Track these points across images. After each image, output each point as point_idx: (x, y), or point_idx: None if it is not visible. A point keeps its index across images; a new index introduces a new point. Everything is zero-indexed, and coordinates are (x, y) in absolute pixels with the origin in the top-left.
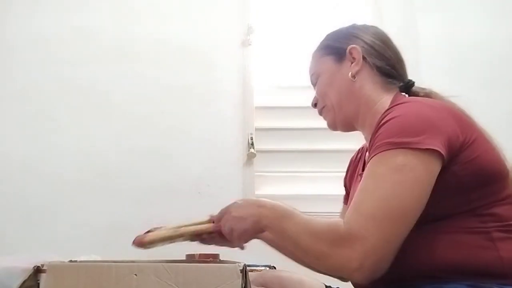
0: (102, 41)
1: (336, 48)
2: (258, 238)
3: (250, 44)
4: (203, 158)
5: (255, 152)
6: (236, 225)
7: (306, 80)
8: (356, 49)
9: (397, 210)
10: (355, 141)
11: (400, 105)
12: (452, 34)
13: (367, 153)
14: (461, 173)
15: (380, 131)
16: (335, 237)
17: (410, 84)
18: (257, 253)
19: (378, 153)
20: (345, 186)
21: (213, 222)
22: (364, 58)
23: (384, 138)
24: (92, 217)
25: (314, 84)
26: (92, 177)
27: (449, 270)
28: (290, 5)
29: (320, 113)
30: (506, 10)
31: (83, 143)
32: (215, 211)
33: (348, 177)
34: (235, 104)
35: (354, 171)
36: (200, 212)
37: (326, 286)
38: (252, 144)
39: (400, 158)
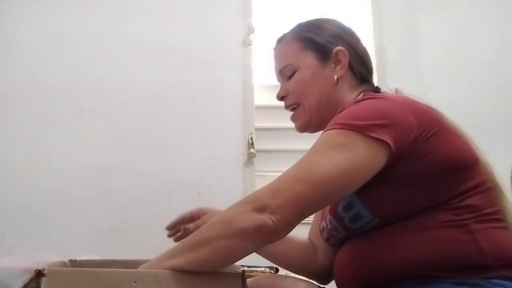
0: (103, 41)
1: (320, 45)
2: None
3: (250, 44)
4: (204, 158)
5: (255, 152)
6: None
7: None
8: (344, 52)
9: (314, 174)
10: None
11: (364, 98)
12: (453, 37)
13: None
14: (423, 166)
15: (336, 116)
16: (237, 203)
17: (378, 89)
18: (256, 253)
19: (325, 130)
20: None
21: None
22: (349, 63)
23: (336, 119)
24: (92, 217)
25: (285, 76)
26: (92, 177)
27: (431, 268)
28: (290, 5)
29: (288, 109)
30: (509, 11)
31: (84, 143)
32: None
33: None
34: (235, 104)
35: None
36: None
37: (320, 287)
38: (252, 144)
39: (341, 138)
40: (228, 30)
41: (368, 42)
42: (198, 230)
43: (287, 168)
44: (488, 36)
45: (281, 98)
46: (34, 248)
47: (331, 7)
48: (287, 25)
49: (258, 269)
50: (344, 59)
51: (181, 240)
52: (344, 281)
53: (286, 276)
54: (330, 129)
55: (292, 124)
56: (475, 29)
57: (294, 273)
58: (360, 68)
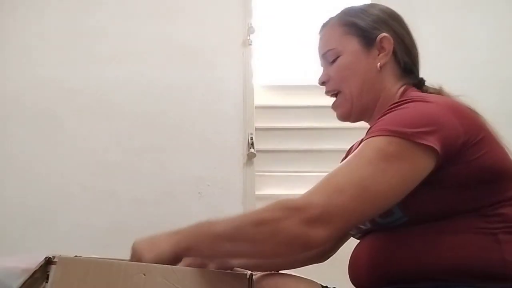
0: (103, 41)
1: (364, 30)
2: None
3: (250, 44)
4: (203, 158)
5: (255, 152)
6: (142, 258)
7: (306, 80)
8: (388, 39)
9: (368, 192)
10: (355, 141)
11: (408, 99)
12: (452, 37)
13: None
14: (464, 171)
15: (381, 118)
16: (285, 208)
17: (422, 82)
18: None
19: (373, 136)
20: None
21: None
22: (393, 50)
23: (383, 125)
24: (92, 217)
25: (328, 61)
26: (92, 177)
27: (451, 271)
28: (290, 5)
29: (329, 94)
30: (508, 12)
31: (84, 143)
32: (216, 212)
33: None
34: (236, 104)
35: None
36: (200, 212)
37: (322, 286)
38: (252, 144)
39: (393, 147)
40: (228, 30)
41: None
42: (250, 216)
43: (287, 168)
44: (488, 36)
45: (322, 83)
46: (34, 248)
47: (331, 7)
48: (287, 25)
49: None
50: (389, 46)
51: (232, 221)
52: (358, 273)
53: (288, 275)
54: (378, 135)
55: (291, 125)
56: (474, 29)
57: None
58: (404, 57)
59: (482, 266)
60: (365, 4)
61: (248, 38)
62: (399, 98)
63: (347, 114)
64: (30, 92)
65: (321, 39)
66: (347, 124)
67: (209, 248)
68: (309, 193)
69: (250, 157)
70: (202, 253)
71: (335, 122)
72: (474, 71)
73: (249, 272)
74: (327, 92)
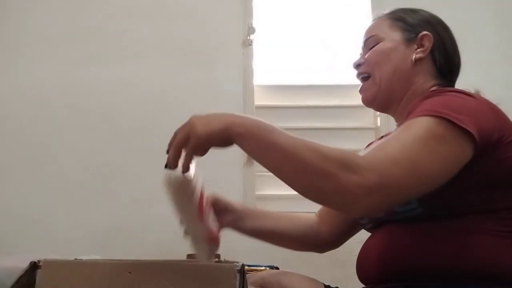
0: (103, 41)
1: (410, 25)
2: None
3: (250, 44)
4: (203, 158)
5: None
6: (193, 129)
7: (306, 80)
8: (429, 37)
9: (421, 170)
10: (356, 141)
11: (447, 90)
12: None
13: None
14: (493, 169)
15: (423, 103)
16: (349, 162)
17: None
18: (259, 253)
19: (422, 115)
20: None
21: None
22: (431, 50)
23: (430, 106)
24: (92, 217)
25: (368, 47)
26: (92, 177)
27: (463, 272)
28: (290, 5)
29: (359, 79)
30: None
31: (84, 143)
32: None
33: None
34: (236, 103)
35: None
36: None
37: (325, 285)
38: None
39: (442, 128)
40: (228, 30)
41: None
42: (313, 143)
43: None
44: (488, 36)
45: (356, 65)
46: (34, 248)
47: (331, 7)
48: (287, 25)
49: (258, 268)
50: (428, 44)
51: (300, 139)
52: (367, 267)
53: (290, 273)
54: (426, 115)
55: (291, 124)
56: (475, 28)
57: (295, 249)
58: (441, 59)
59: (491, 267)
60: (414, 8)
61: (248, 38)
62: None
63: (372, 98)
64: (30, 92)
65: (367, 28)
66: (347, 124)
67: (260, 147)
68: (370, 157)
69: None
70: (251, 147)
71: (335, 122)
72: (475, 71)
73: (241, 263)
74: (358, 75)
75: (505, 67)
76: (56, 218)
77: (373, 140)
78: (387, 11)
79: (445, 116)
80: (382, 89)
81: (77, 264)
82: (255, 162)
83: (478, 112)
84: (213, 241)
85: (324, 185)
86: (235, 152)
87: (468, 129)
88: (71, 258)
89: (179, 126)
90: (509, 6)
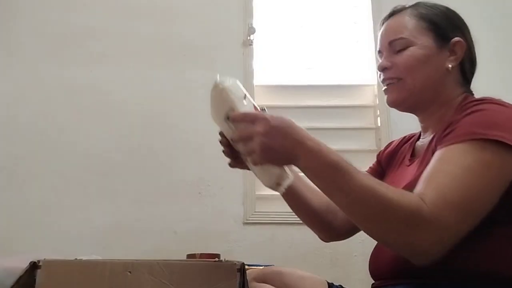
0: (103, 41)
1: (442, 29)
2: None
3: (251, 44)
4: (204, 158)
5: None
6: (260, 149)
7: (306, 80)
8: (462, 45)
9: (477, 205)
10: (356, 141)
11: (485, 101)
12: None
13: (434, 137)
14: None
15: (464, 120)
16: (416, 217)
17: (472, 94)
18: (259, 253)
19: (466, 140)
20: (378, 160)
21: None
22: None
23: (471, 128)
24: (93, 217)
25: (394, 49)
26: (92, 177)
27: (474, 272)
28: (290, 5)
29: (385, 82)
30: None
31: (84, 143)
32: (216, 211)
33: (387, 157)
34: None
35: (396, 155)
36: (200, 212)
37: (328, 283)
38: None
39: (489, 153)
40: (229, 30)
41: (368, 42)
42: (382, 192)
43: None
44: (488, 36)
45: (383, 69)
46: (34, 248)
47: (332, 6)
48: (288, 25)
49: (258, 267)
50: (460, 51)
51: (371, 184)
52: (381, 264)
53: (293, 270)
54: (473, 138)
55: None
56: (474, 28)
57: (307, 224)
58: (468, 67)
59: (510, 272)
60: (442, 5)
61: (248, 38)
62: (460, 104)
63: (401, 101)
64: (30, 92)
65: (390, 26)
66: (347, 124)
67: (326, 188)
68: (433, 207)
69: None
70: (315, 181)
71: (335, 122)
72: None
73: (241, 262)
74: (384, 79)
75: (502, 67)
76: (56, 218)
77: (373, 139)
78: (407, 7)
79: (490, 138)
80: (414, 95)
81: (77, 264)
82: None
83: None
84: None
85: (392, 240)
86: None
87: None
88: (71, 258)
89: (179, 126)
90: (508, 5)
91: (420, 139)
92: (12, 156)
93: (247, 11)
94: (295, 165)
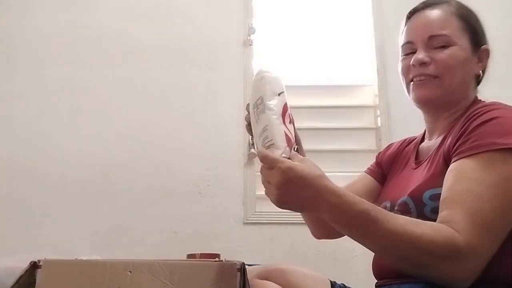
0: (103, 41)
1: (477, 35)
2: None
3: (251, 44)
4: (204, 158)
5: (255, 152)
6: (275, 199)
7: (306, 80)
8: (488, 53)
9: (507, 222)
10: (356, 141)
11: (494, 106)
12: None
13: (443, 140)
14: None
15: (480, 129)
16: (454, 252)
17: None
18: (259, 253)
19: (485, 151)
20: (378, 161)
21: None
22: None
23: (489, 137)
24: (93, 217)
25: (433, 45)
26: (92, 177)
27: (485, 278)
28: (291, 6)
29: (421, 77)
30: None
31: (84, 143)
32: (216, 211)
33: (388, 159)
34: (236, 104)
35: (398, 157)
36: (201, 212)
37: (330, 281)
38: (253, 144)
39: (510, 165)
40: (229, 30)
41: (368, 42)
42: (413, 233)
43: None
44: (488, 36)
45: (421, 63)
46: (34, 248)
47: (332, 6)
48: (288, 25)
49: (259, 265)
50: (486, 59)
51: (400, 228)
52: (385, 263)
53: (295, 268)
54: (492, 149)
55: None
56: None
57: (309, 224)
58: (481, 72)
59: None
60: (470, 8)
61: (248, 38)
62: (470, 107)
63: (434, 99)
64: (29, 93)
65: (433, 19)
66: (347, 124)
67: (357, 238)
68: (467, 235)
69: (251, 157)
70: (341, 231)
71: (335, 122)
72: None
73: (241, 262)
74: (420, 74)
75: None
76: (56, 218)
77: (373, 139)
78: (445, 3)
79: (509, 147)
80: (448, 95)
81: (78, 264)
82: (255, 162)
83: None
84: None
85: (430, 275)
86: (235, 152)
87: None
88: (71, 258)
89: (179, 125)
90: None
91: (425, 141)
92: (12, 156)
93: (247, 11)
94: (317, 214)
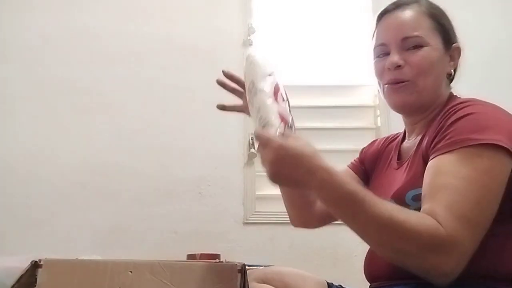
0: (103, 41)
1: (448, 34)
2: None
3: (251, 44)
4: (204, 158)
5: (255, 152)
6: (269, 175)
7: (306, 80)
8: (459, 51)
9: (485, 214)
10: (356, 141)
11: (469, 103)
12: None
13: (422, 140)
14: None
15: (456, 126)
16: (434, 242)
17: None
18: (259, 253)
19: (461, 147)
20: (361, 157)
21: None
22: None
23: (464, 133)
24: (93, 217)
25: (406, 46)
26: (92, 177)
27: (474, 272)
28: (290, 6)
29: (395, 81)
30: (507, 11)
31: (84, 143)
32: (216, 211)
33: (371, 157)
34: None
35: (381, 155)
36: (200, 212)
37: (328, 283)
38: (253, 144)
39: (486, 159)
40: (229, 30)
41: (368, 42)
42: (397, 219)
43: None
44: (487, 36)
45: (396, 66)
46: (35, 248)
47: (332, 6)
48: (288, 25)
49: (258, 268)
50: (458, 58)
51: (386, 213)
52: (377, 265)
53: (293, 270)
54: (470, 145)
55: None
56: (474, 29)
57: (285, 201)
58: (457, 69)
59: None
60: (439, 6)
61: (248, 38)
62: (445, 105)
63: (410, 103)
64: (30, 92)
65: (404, 20)
66: (347, 124)
67: (343, 217)
68: (450, 228)
69: (251, 157)
70: (328, 208)
71: (335, 122)
72: (473, 71)
73: (241, 263)
74: (394, 79)
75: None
76: (57, 218)
77: (373, 140)
78: (415, 3)
79: (486, 142)
80: (422, 98)
81: (79, 264)
82: (255, 162)
83: (506, 122)
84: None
85: (412, 264)
86: (235, 152)
87: (509, 148)
88: (72, 258)
89: (179, 126)
90: None
91: (406, 141)
92: (12, 156)
93: (247, 11)
94: (308, 190)
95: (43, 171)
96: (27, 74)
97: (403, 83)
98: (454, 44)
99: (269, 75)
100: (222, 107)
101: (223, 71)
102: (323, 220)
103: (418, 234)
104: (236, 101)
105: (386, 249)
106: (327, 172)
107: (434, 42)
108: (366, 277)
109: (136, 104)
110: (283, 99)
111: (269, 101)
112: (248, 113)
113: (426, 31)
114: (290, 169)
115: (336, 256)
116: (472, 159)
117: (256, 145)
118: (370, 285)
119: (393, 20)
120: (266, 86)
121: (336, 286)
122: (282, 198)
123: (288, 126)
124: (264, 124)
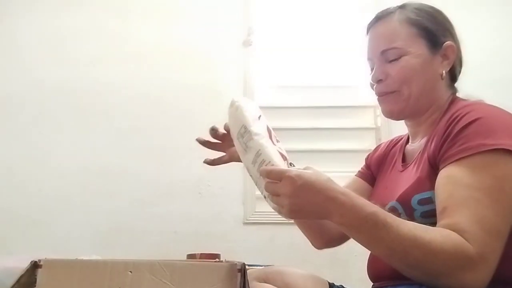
0: (102, 41)
1: (433, 35)
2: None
3: (250, 45)
4: (204, 158)
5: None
6: (288, 210)
7: (306, 81)
8: (453, 49)
9: (508, 222)
10: (356, 141)
11: (475, 106)
12: None
13: (427, 143)
14: None
15: (466, 131)
16: (464, 260)
17: (457, 91)
18: (259, 253)
19: (475, 153)
20: (367, 164)
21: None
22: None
23: (477, 139)
24: (93, 217)
25: (387, 59)
26: (92, 177)
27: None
28: (290, 6)
29: (381, 95)
30: (507, 12)
31: (84, 143)
32: (216, 211)
33: (376, 161)
34: None
35: (386, 159)
36: (200, 212)
37: (329, 283)
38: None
39: (502, 165)
40: (228, 30)
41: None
42: (423, 240)
43: None
44: (486, 37)
45: (378, 80)
46: (35, 248)
47: (332, 6)
48: (287, 26)
49: (258, 268)
50: (452, 55)
51: (410, 234)
52: (380, 265)
53: (295, 270)
54: (482, 151)
55: (291, 125)
56: (473, 30)
57: (301, 228)
58: (457, 68)
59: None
60: (426, 5)
61: (248, 38)
62: (448, 107)
63: (399, 112)
64: (29, 93)
65: (381, 33)
66: (347, 124)
67: (366, 243)
68: (478, 245)
69: None
70: (351, 235)
71: (335, 122)
72: (473, 72)
73: (242, 262)
74: (380, 93)
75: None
76: (56, 218)
77: (373, 139)
78: (394, 11)
79: (500, 147)
80: (411, 105)
81: (78, 264)
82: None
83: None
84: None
85: (439, 283)
86: None
87: None
88: (72, 258)
89: (179, 126)
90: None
91: (410, 143)
92: (12, 156)
93: (247, 11)
94: (328, 220)
95: (43, 171)
96: (27, 74)
97: (388, 94)
98: (445, 43)
99: (259, 118)
100: (211, 162)
101: (211, 129)
102: (345, 235)
103: (444, 253)
104: (218, 154)
105: (414, 270)
106: (346, 196)
107: (416, 49)
108: (370, 277)
109: (136, 105)
110: (277, 140)
111: (268, 142)
112: (236, 160)
113: (404, 40)
114: (310, 197)
115: (336, 256)
116: (488, 167)
117: (262, 185)
118: (373, 285)
119: (373, 34)
120: (260, 129)
121: (337, 286)
122: (296, 226)
123: (289, 164)
124: (267, 165)
